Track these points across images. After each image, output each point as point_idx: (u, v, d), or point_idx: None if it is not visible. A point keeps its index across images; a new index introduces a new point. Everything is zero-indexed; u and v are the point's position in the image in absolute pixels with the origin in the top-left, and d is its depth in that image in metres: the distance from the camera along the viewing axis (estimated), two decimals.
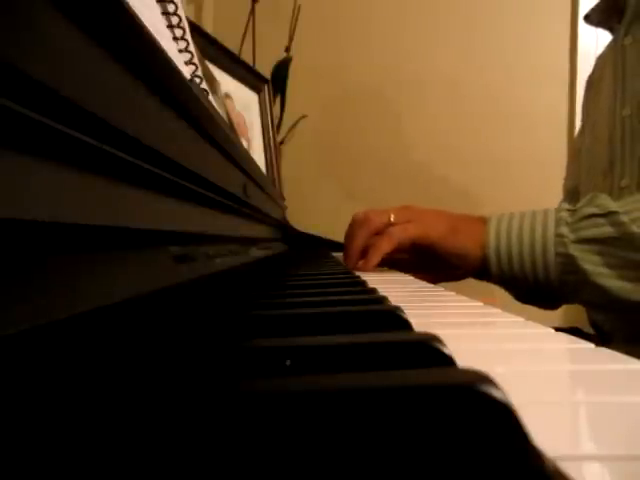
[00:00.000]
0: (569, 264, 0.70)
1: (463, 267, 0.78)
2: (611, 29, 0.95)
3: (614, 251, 0.67)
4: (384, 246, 0.75)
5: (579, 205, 0.71)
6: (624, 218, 0.66)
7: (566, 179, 1.10)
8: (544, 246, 0.71)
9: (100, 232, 0.21)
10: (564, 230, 0.70)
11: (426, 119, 1.67)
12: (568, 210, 0.72)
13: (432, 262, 0.79)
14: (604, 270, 0.68)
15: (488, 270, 0.75)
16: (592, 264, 0.68)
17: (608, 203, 0.69)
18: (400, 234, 0.75)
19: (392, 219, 0.78)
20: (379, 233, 0.78)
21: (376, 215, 0.79)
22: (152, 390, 0.13)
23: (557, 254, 0.70)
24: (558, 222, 0.71)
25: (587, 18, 0.99)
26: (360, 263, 0.77)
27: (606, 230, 0.67)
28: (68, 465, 0.10)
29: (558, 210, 0.73)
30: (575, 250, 0.69)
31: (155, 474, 0.10)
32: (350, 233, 0.81)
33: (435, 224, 0.77)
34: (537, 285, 0.74)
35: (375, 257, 0.74)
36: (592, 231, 0.68)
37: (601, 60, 0.99)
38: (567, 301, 0.80)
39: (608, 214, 0.68)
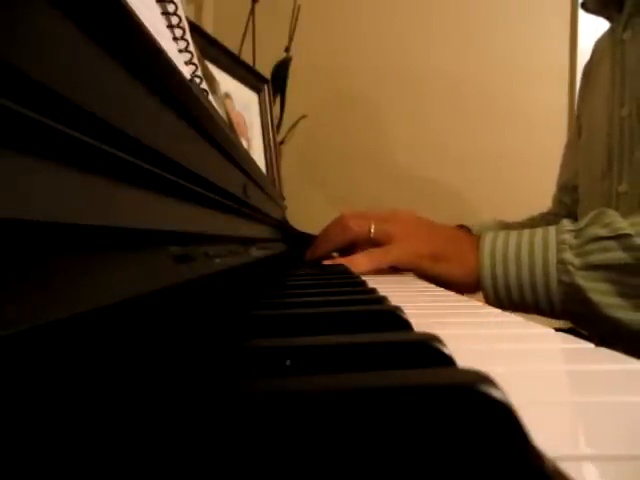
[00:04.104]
0: (575, 294, 0.61)
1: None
2: (609, 17, 0.90)
3: (627, 279, 0.59)
4: (361, 267, 0.70)
5: (583, 224, 0.63)
6: (638, 241, 0.58)
7: (561, 172, 1.06)
8: (545, 273, 0.62)
9: (100, 232, 0.21)
10: (568, 256, 0.61)
11: (426, 119, 1.67)
12: (571, 231, 0.63)
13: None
14: (616, 301, 0.59)
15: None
16: (601, 294, 0.60)
17: (617, 223, 0.60)
18: (381, 259, 0.71)
19: (372, 231, 0.73)
20: (357, 240, 0.75)
21: (356, 224, 0.75)
22: (152, 390, 0.13)
23: (560, 282, 0.62)
24: (560, 246, 0.62)
25: (584, 5, 0.95)
26: None
27: (618, 255, 0.59)
28: (68, 465, 0.10)
29: (559, 230, 0.64)
30: (581, 278, 0.60)
31: (156, 474, 0.10)
32: (327, 233, 0.80)
33: (419, 247, 0.70)
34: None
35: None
36: (601, 256, 0.60)
37: (599, 46, 0.94)
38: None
39: (619, 237, 0.59)
